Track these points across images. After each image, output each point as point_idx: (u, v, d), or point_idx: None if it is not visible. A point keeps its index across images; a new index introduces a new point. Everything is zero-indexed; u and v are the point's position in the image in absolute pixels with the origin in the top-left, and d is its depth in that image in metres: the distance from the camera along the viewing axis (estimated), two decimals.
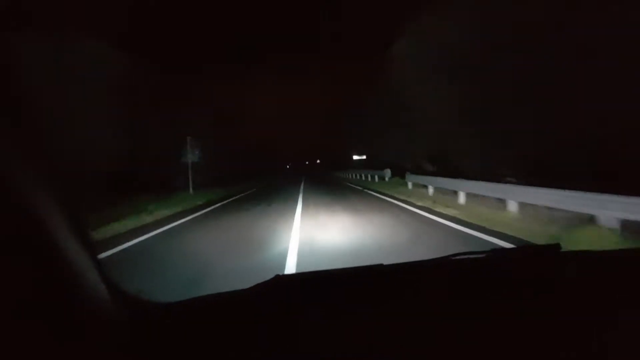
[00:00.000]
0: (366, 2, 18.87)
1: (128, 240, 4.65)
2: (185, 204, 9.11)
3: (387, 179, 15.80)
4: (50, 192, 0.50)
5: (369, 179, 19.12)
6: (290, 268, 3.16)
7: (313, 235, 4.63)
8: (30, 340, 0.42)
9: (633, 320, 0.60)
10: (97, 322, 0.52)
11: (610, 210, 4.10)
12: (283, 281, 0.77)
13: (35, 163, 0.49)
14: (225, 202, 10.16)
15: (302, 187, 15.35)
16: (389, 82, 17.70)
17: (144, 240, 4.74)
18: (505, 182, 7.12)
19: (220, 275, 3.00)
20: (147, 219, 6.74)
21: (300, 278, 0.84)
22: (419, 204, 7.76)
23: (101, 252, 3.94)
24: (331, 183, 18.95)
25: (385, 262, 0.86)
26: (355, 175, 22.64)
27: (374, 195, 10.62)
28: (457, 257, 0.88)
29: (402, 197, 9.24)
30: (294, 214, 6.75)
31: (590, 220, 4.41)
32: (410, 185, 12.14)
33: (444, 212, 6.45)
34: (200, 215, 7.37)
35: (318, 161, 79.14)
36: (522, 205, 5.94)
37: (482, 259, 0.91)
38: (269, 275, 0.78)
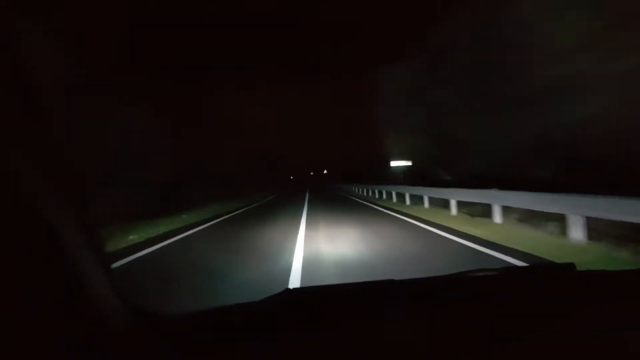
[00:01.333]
0: None
1: None
2: None
3: None
4: (65, 201, 0.50)
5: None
6: None
7: None
8: (35, 345, 0.42)
9: None
10: (104, 330, 0.52)
11: None
12: (293, 295, 0.77)
13: (53, 173, 0.50)
14: None
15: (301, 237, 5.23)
16: None
17: None
18: None
19: None
20: None
21: (310, 292, 0.82)
22: None
23: None
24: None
25: None
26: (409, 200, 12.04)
27: None
28: (471, 275, 0.87)
29: None
30: None
31: None
32: None
33: None
34: None
35: (325, 171, 72.82)
36: None
37: (495, 276, 0.90)
38: None
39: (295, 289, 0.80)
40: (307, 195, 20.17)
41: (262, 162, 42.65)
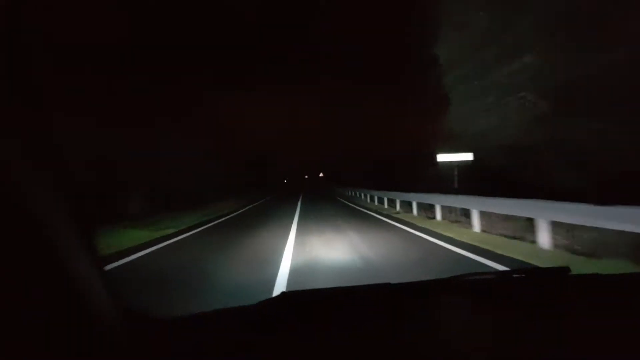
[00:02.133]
0: None
1: None
2: None
3: None
4: (60, 205, 0.48)
5: None
6: None
7: None
8: (31, 348, 0.41)
9: None
10: (101, 335, 0.51)
11: None
12: (290, 298, 0.77)
13: (48, 175, 0.48)
14: None
15: None
16: None
17: None
18: None
19: None
20: None
21: (307, 295, 0.81)
22: None
23: None
24: None
25: None
26: None
27: None
28: (465, 278, 0.87)
29: None
30: None
31: None
32: None
33: None
34: None
35: (321, 174, 71.50)
36: None
37: (490, 280, 0.90)
38: None
39: (291, 292, 0.79)
40: (299, 206, 13.43)
41: (253, 164, 37.11)
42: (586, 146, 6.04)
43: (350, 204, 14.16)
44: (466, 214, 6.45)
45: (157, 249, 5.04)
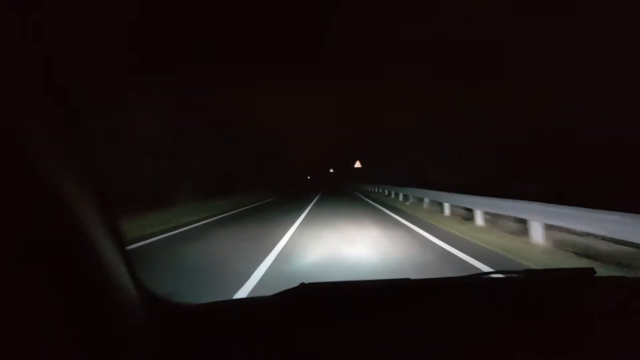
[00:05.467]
0: None
1: None
2: None
3: None
4: (87, 191, 0.49)
5: None
6: None
7: None
8: (61, 340, 0.41)
9: None
10: (127, 322, 0.51)
11: None
12: (308, 290, 0.76)
13: (76, 162, 0.49)
14: None
15: None
16: None
17: None
18: None
19: None
20: None
21: (325, 287, 0.80)
22: None
23: None
24: None
25: None
26: None
27: None
28: (486, 276, 0.87)
29: None
30: None
31: None
32: None
33: None
34: None
35: (357, 164, 47.39)
36: None
37: (512, 279, 0.89)
38: None
39: (310, 284, 0.77)
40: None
41: (269, 156, 35.06)
42: None
43: None
44: None
45: None
